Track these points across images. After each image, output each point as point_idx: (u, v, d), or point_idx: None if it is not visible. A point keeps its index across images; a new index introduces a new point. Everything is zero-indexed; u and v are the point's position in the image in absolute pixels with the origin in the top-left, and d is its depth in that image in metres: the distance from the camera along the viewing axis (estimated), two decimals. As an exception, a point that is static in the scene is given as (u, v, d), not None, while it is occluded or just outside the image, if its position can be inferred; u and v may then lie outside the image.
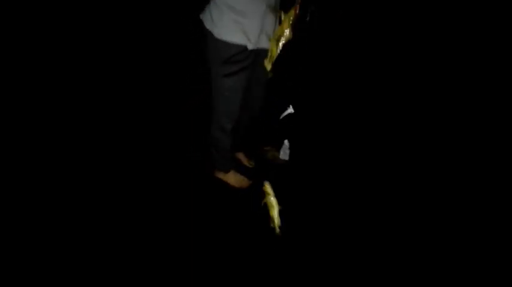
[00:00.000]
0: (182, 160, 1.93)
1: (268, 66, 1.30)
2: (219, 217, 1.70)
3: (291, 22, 1.17)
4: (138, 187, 1.77)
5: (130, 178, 1.81)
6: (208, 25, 1.40)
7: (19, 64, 2.30)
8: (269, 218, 1.37)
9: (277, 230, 1.39)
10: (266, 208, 1.33)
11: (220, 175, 1.86)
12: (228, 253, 1.57)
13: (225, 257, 1.55)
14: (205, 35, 1.43)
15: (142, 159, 1.92)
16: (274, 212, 1.35)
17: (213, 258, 1.54)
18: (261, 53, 1.48)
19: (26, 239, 1.50)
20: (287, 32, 1.19)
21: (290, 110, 1.53)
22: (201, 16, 1.43)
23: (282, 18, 1.19)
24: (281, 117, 1.72)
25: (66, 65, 2.38)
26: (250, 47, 1.39)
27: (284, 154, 1.65)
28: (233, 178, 1.85)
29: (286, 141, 1.61)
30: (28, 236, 1.51)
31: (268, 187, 1.33)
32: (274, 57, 1.26)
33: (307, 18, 1.27)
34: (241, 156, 2.01)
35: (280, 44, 1.20)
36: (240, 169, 1.94)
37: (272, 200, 1.34)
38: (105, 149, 1.94)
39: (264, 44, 1.43)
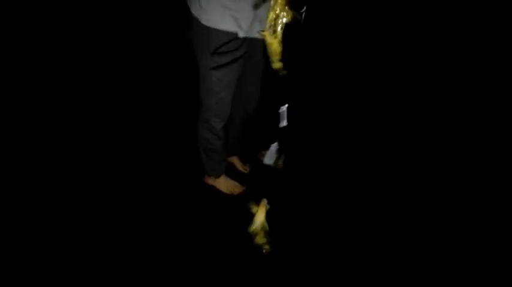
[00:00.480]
0: (182, 160, 1.84)
1: (277, 64, 1.05)
2: (215, 220, 1.61)
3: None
4: (137, 187, 1.71)
5: (130, 178, 1.74)
6: (195, 11, 1.25)
7: (17, 65, 2.27)
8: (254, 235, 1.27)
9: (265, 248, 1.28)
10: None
11: (210, 181, 1.69)
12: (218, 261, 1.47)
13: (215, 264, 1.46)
14: (192, 23, 1.28)
15: (142, 159, 1.86)
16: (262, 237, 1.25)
17: (206, 262, 1.46)
18: (255, 43, 1.33)
19: (26, 239, 1.47)
20: (283, 14, 0.95)
21: (283, 109, 1.35)
22: (188, 1, 1.28)
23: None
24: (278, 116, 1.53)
25: (65, 65, 2.35)
26: (241, 35, 1.24)
27: (269, 158, 1.50)
28: (224, 184, 1.69)
29: (272, 146, 1.43)
30: (27, 236, 1.48)
31: (262, 209, 1.21)
32: (279, 53, 1.00)
33: None
34: (235, 160, 1.84)
35: (279, 31, 0.95)
36: (233, 174, 1.77)
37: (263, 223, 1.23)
38: (105, 149, 1.89)
39: (258, 33, 1.27)
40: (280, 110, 1.21)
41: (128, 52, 2.50)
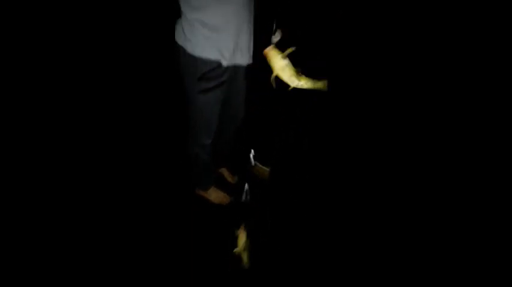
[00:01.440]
0: (182, 160, 1.86)
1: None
2: (205, 230, 1.70)
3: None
4: (137, 187, 1.80)
5: (130, 179, 1.83)
6: (180, 41, 1.34)
7: (16, 66, 2.33)
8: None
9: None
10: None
11: (201, 192, 1.80)
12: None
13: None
14: (178, 51, 1.37)
15: (142, 159, 1.94)
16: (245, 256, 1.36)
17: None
18: (238, 68, 1.43)
19: (25, 239, 1.54)
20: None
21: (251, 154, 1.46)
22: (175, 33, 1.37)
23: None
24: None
25: (67, 67, 2.41)
26: (224, 63, 1.33)
27: (245, 198, 1.59)
28: (213, 195, 1.79)
29: (246, 185, 1.53)
30: (25, 236, 1.55)
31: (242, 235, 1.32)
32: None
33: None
34: (224, 171, 1.95)
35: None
36: (223, 185, 1.88)
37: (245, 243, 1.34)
38: (105, 150, 1.97)
39: (239, 60, 1.37)
40: (250, 155, 1.33)
41: (130, 55, 2.54)
